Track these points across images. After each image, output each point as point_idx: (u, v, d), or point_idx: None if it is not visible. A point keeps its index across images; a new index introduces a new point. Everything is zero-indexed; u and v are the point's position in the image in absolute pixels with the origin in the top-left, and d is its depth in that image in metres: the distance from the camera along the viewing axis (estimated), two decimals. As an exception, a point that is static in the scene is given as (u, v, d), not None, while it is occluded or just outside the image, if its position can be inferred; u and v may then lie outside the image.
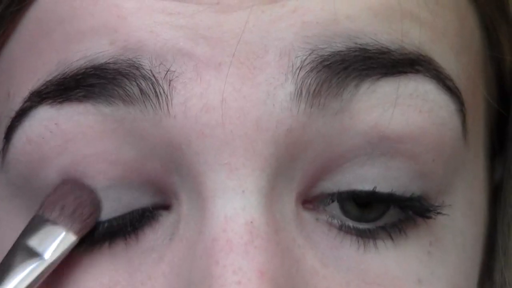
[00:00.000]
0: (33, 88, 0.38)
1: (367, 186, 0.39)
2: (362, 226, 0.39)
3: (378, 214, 0.39)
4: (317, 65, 0.37)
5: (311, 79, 0.37)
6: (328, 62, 0.37)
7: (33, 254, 0.38)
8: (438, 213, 0.40)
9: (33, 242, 0.38)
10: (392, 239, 0.39)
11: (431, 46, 0.39)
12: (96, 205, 0.38)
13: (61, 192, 0.38)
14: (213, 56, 0.36)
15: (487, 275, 0.46)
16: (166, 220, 0.39)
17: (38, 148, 0.38)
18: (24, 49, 0.39)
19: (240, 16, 0.37)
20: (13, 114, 0.39)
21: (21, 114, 0.38)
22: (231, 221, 0.37)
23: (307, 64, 0.37)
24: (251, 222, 0.37)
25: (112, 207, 0.38)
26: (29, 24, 0.39)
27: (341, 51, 0.37)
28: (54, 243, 0.38)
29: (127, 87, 0.37)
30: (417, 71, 0.38)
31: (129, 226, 0.38)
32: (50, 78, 0.38)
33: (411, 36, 0.38)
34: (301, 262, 0.38)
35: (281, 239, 0.37)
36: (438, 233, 0.40)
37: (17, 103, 0.39)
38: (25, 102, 0.38)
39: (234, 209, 0.37)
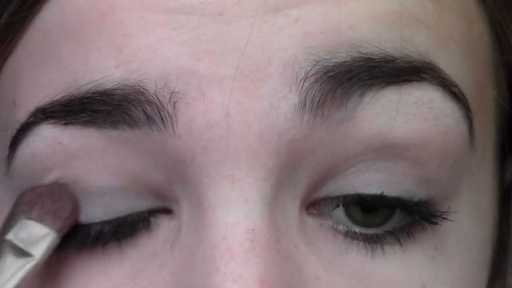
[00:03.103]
0: (39, 104, 0.38)
1: (373, 190, 0.39)
2: (369, 231, 0.39)
3: (383, 219, 0.39)
4: (321, 76, 0.37)
5: (315, 90, 0.37)
6: (333, 73, 0.37)
7: (22, 252, 0.38)
8: (444, 218, 0.40)
9: (19, 240, 0.38)
10: (400, 243, 0.39)
11: (437, 52, 0.39)
12: (75, 206, 0.39)
13: (39, 192, 0.39)
14: (216, 72, 0.36)
15: (499, 277, 0.46)
16: (167, 227, 0.39)
17: (42, 162, 0.38)
18: (31, 61, 0.39)
19: (243, 27, 0.37)
20: (18, 126, 0.39)
21: (25, 128, 0.38)
22: (232, 228, 0.37)
23: (312, 75, 0.37)
24: (253, 229, 0.37)
25: (110, 212, 0.39)
26: (37, 35, 0.39)
27: (346, 61, 0.37)
28: (42, 242, 0.38)
29: (133, 113, 0.37)
30: (422, 79, 0.38)
31: (129, 231, 0.39)
32: (57, 98, 0.38)
33: (416, 43, 0.38)
34: (303, 269, 0.38)
35: (282, 246, 0.37)
36: (443, 237, 0.40)
37: (21, 115, 0.39)
38: (30, 116, 0.38)
39: (236, 217, 0.37)
